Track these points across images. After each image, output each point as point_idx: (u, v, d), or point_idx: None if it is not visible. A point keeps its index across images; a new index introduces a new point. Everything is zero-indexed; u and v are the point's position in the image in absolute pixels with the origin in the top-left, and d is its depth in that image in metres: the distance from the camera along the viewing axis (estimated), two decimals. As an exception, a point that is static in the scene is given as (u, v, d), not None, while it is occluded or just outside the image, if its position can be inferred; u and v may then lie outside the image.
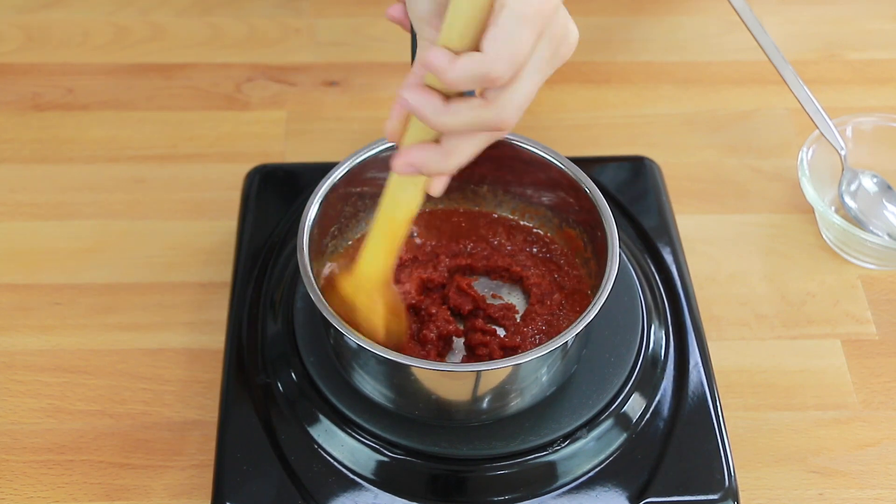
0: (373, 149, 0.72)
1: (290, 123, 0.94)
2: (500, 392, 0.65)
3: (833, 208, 0.86)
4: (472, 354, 0.70)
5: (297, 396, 0.69)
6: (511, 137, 0.72)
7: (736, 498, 0.66)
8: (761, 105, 0.97)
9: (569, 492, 0.66)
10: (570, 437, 0.67)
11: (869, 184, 0.86)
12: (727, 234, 0.86)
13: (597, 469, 0.67)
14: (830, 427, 0.74)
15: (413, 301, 0.71)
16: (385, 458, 0.66)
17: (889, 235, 0.84)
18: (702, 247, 0.84)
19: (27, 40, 1.01)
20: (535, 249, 0.75)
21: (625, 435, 0.68)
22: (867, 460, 0.73)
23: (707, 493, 0.66)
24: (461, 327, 0.71)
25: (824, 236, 0.85)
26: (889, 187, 0.86)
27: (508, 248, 0.75)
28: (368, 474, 0.66)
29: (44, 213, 0.86)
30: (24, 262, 0.83)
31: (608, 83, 0.98)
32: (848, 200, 0.85)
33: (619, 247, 0.67)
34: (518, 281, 0.74)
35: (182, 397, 0.75)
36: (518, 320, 0.72)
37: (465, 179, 0.76)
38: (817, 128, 0.85)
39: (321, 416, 0.68)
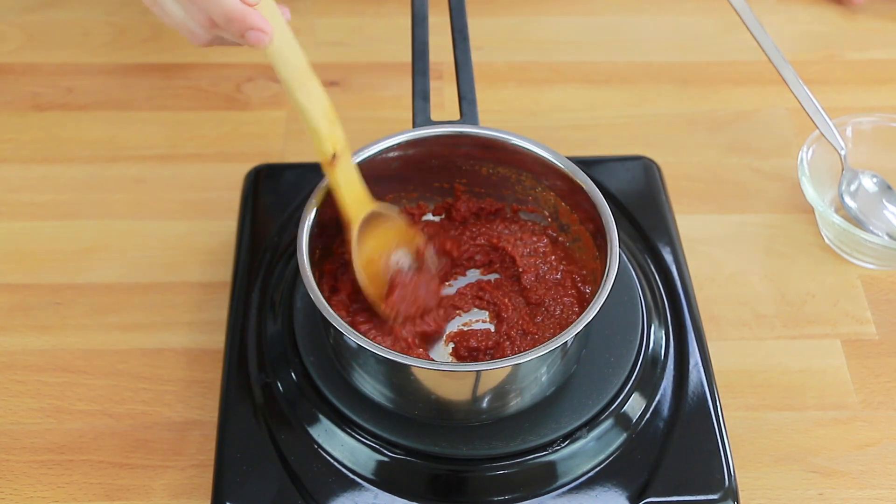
0: (373, 148, 0.72)
1: (289, 123, 0.94)
2: (500, 392, 0.65)
3: (833, 208, 0.86)
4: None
5: (297, 396, 0.69)
6: (511, 137, 0.73)
7: (736, 498, 0.66)
8: (761, 105, 0.97)
9: (569, 492, 0.66)
10: (570, 437, 0.67)
11: (869, 184, 0.86)
12: (727, 234, 0.86)
13: (597, 469, 0.67)
14: (830, 427, 0.74)
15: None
16: (385, 458, 0.66)
17: (889, 235, 0.84)
18: (702, 247, 0.84)
19: (27, 40, 1.01)
20: (532, 249, 0.75)
21: (625, 435, 0.68)
22: (867, 460, 0.73)
23: (707, 493, 0.66)
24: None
25: (824, 236, 0.85)
26: (889, 187, 0.86)
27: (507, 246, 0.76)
28: (368, 474, 0.66)
29: (44, 213, 0.86)
30: (24, 262, 0.83)
31: (608, 83, 0.98)
32: (848, 200, 0.85)
33: (619, 247, 0.67)
34: (516, 278, 0.74)
35: (182, 397, 0.75)
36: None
37: (468, 180, 0.76)
38: (817, 128, 0.85)
39: (321, 416, 0.68)
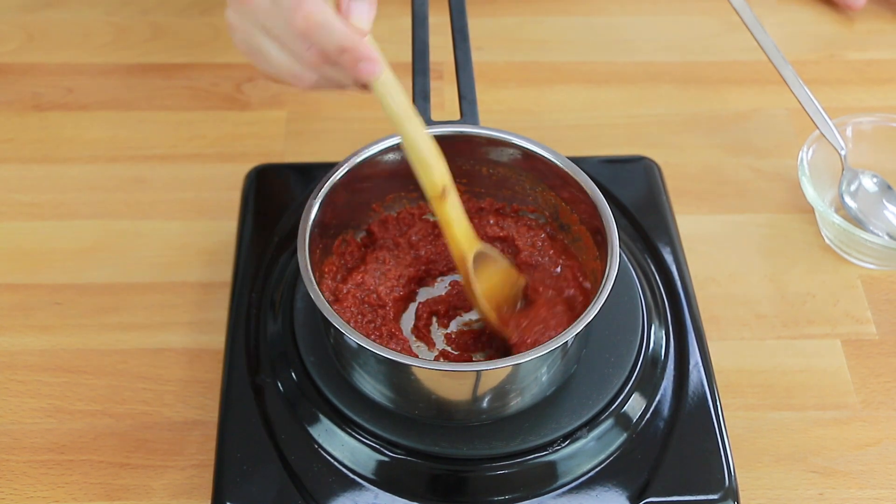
0: (373, 149, 0.72)
1: (289, 123, 0.94)
2: (500, 392, 0.65)
3: (833, 208, 0.86)
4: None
5: (297, 396, 0.69)
6: (511, 137, 0.73)
7: (736, 498, 0.66)
8: (761, 105, 0.97)
9: (569, 492, 0.66)
10: (570, 437, 0.67)
11: (869, 184, 0.86)
12: (727, 234, 0.86)
13: (597, 469, 0.67)
14: (830, 427, 0.74)
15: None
16: (385, 458, 0.66)
17: (889, 235, 0.84)
18: (702, 247, 0.84)
19: (27, 40, 1.01)
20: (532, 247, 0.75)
21: (625, 435, 0.68)
22: (867, 460, 0.73)
23: (707, 493, 0.66)
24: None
25: (824, 236, 0.85)
26: (889, 187, 0.86)
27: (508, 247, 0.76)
28: (368, 474, 0.66)
29: (44, 213, 0.86)
30: (24, 262, 0.83)
31: (608, 83, 0.98)
32: (848, 200, 0.85)
33: (620, 247, 0.67)
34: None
35: (182, 397, 0.75)
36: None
37: (468, 180, 0.76)
38: (817, 128, 0.85)
39: (321, 416, 0.68)
